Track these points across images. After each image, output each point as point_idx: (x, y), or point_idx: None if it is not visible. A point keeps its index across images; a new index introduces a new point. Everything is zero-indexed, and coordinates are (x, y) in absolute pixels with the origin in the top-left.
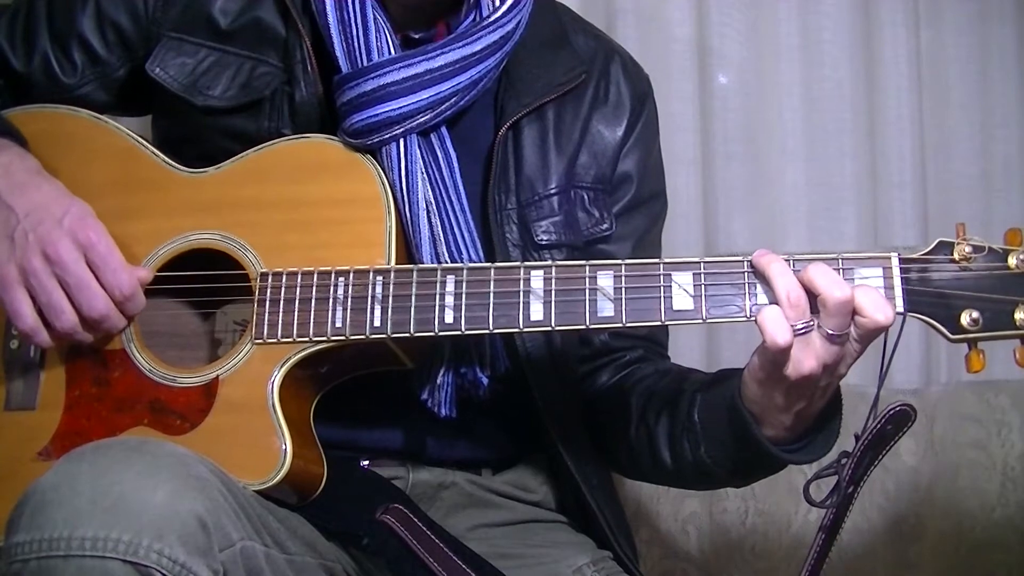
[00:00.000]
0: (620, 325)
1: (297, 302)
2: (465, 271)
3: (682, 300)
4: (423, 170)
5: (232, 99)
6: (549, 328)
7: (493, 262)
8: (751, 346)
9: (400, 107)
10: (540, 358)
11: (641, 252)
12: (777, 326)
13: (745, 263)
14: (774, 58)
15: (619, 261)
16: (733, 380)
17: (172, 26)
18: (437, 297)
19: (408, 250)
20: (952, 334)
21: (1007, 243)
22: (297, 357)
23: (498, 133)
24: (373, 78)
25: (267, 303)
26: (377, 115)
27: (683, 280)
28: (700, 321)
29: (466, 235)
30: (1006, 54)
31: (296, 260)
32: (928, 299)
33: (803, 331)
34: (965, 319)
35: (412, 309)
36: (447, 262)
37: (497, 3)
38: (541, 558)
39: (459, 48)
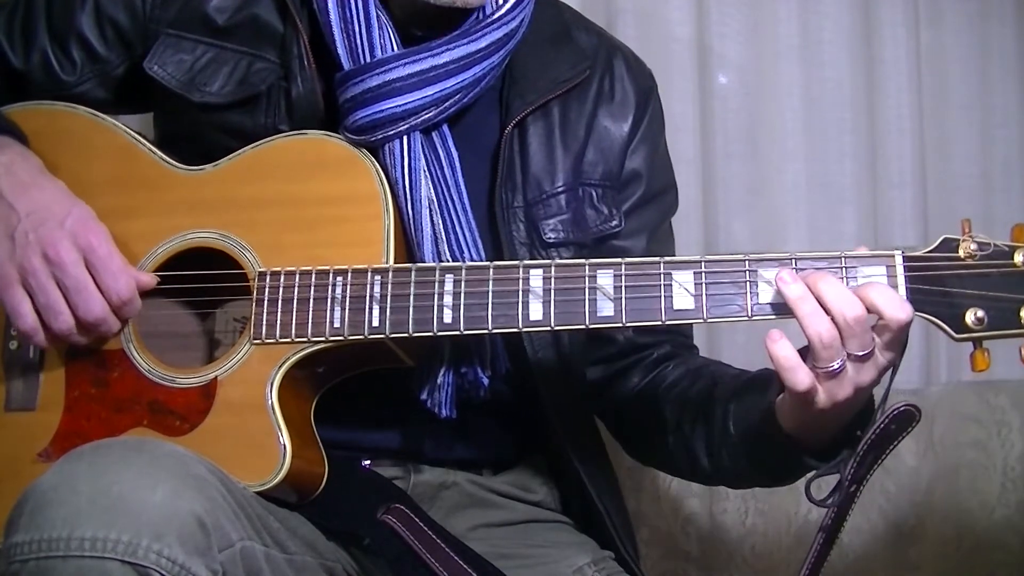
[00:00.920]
0: (620, 325)
1: (295, 302)
2: (464, 270)
3: (683, 299)
4: (426, 168)
5: (229, 95)
6: (548, 328)
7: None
8: (751, 347)
9: (405, 103)
10: (549, 359)
11: (656, 245)
12: (798, 374)
13: (747, 262)
14: (774, 58)
15: (619, 260)
16: (767, 402)
17: (170, 23)
18: (436, 297)
19: (409, 248)
20: (956, 333)
21: (1013, 240)
22: (296, 357)
23: (503, 131)
24: (378, 74)
25: (265, 303)
26: (382, 111)
27: (684, 279)
28: (701, 320)
29: (467, 234)
30: (1006, 54)
31: (295, 259)
32: (933, 297)
33: (837, 371)
34: (970, 318)
35: (411, 309)
36: (448, 261)
37: (500, 1)
38: (542, 558)
39: (463, 45)
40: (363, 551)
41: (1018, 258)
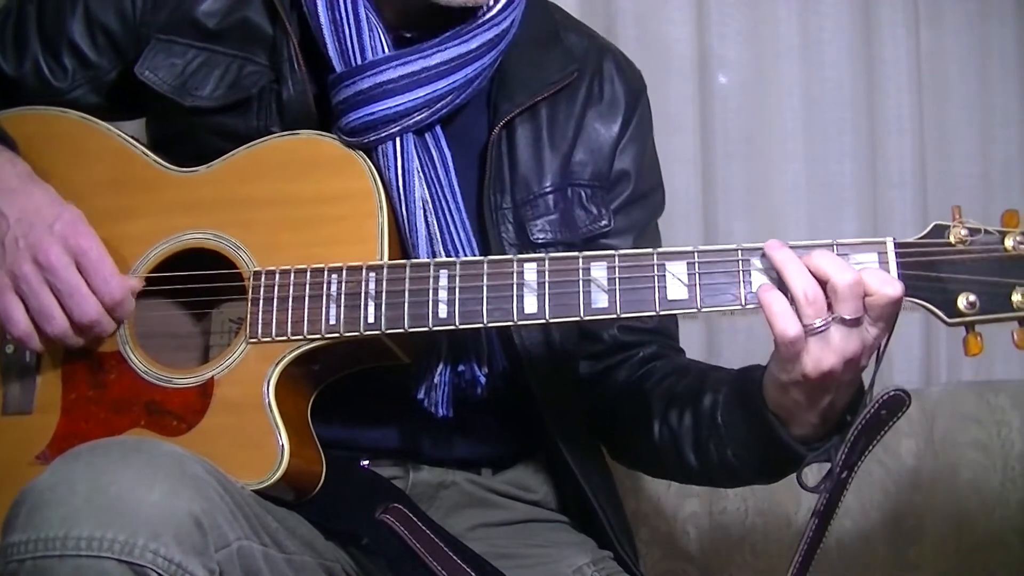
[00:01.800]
0: (615, 316)
1: (291, 300)
2: (458, 265)
3: (676, 289)
4: (419, 168)
5: (220, 98)
6: (544, 321)
7: None
8: (752, 346)
9: (397, 105)
10: (539, 355)
11: (642, 244)
12: (786, 319)
13: (739, 251)
14: (774, 58)
15: (612, 252)
16: (754, 382)
17: (160, 28)
18: (431, 292)
19: (404, 249)
20: (949, 318)
21: (1004, 225)
22: (292, 355)
23: (492, 132)
24: (369, 76)
25: (261, 302)
26: (374, 113)
27: (677, 270)
28: (695, 310)
29: (462, 233)
30: (1006, 54)
31: (289, 258)
32: (925, 283)
33: (822, 328)
34: (962, 302)
35: (406, 304)
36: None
37: (492, 1)
38: (541, 558)
39: (454, 46)
40: (362, 551)
41: (1008, 243)
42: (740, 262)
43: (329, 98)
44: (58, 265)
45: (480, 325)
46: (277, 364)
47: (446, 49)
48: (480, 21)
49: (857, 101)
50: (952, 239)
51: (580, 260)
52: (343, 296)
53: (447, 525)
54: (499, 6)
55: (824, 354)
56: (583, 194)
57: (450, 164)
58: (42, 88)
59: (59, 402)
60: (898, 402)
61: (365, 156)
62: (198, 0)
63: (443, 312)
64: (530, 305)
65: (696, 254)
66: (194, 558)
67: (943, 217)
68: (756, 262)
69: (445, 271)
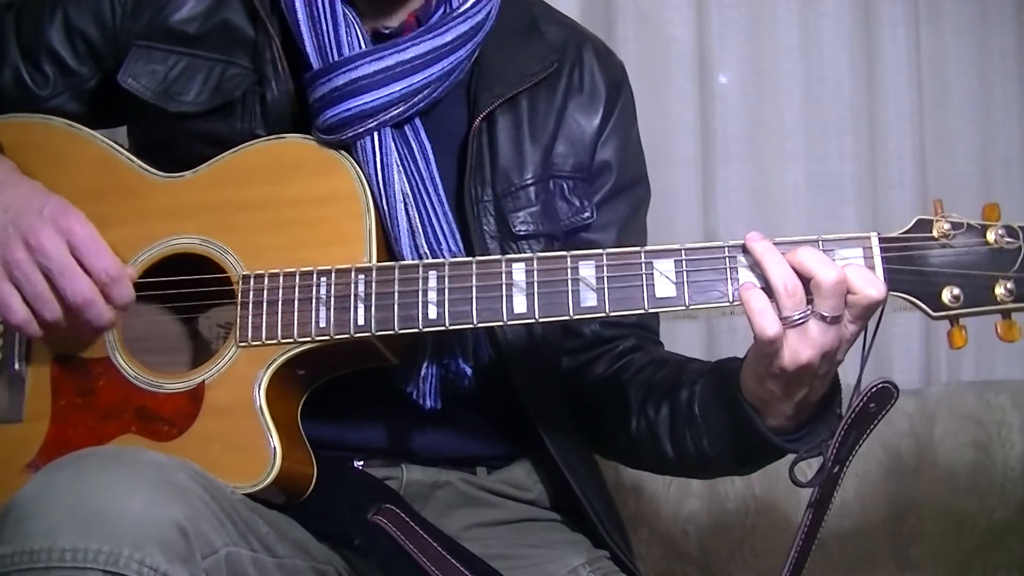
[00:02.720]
0: (604, 314)
1: (280, 303)
2: (447, 266)
3: (664, 287)
4: (399, 162)
5: (204, 103)
6: (533, 320)
7: (471, 254)
8: (751, 344)
9: (372, 100)
10: (520, 347)
11: (625, 239)
12: (766, 317)
13: (726, 248)
14: (774, 58)
15: (600, 251)
16: (732, 372)
17: (140, 34)
18: (420, 293)
19: (387, 243)
20: (934, 311)
21: (985, 218)
22: (283, 358)
23: (472, 125)
24: (344, 72)
25: (250, 305)
26: (350, 109)
27: (665, 267)
28: (683, 307)
29: (444, 227)
30: (1006, 54)
31: (277, 261)
32: (909, 277)
33: (800, 321)
34: (946, 296)
35: (395, 306)
36: (426, 254)
37: None
38: (536, 558)
39: (429, 40)
40: (354, 552)
41: (990, 236)
42: (727, 259)
43: (305, 97)
44: (49, 245)
45: (470, 326)
46: (268, 367)
47: (420, 43)
48: (455, 14)
49: (857, 101)
50: (935, 233)
51: (568, 259)
52: (332, 299)
53: (441, 525)
54: None
55: (802, 347)
56: (565, 186)
57: (431, 156)
58: (22, 96)
59: (48, 410)
60: (886, 394)
61: (350, 157)
62: (177, 5)
63: (433, 313)
64: (519, 305)
65: (684, 251)
66: (180, 566)
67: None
68: (743, 259)
69: (434, 272)
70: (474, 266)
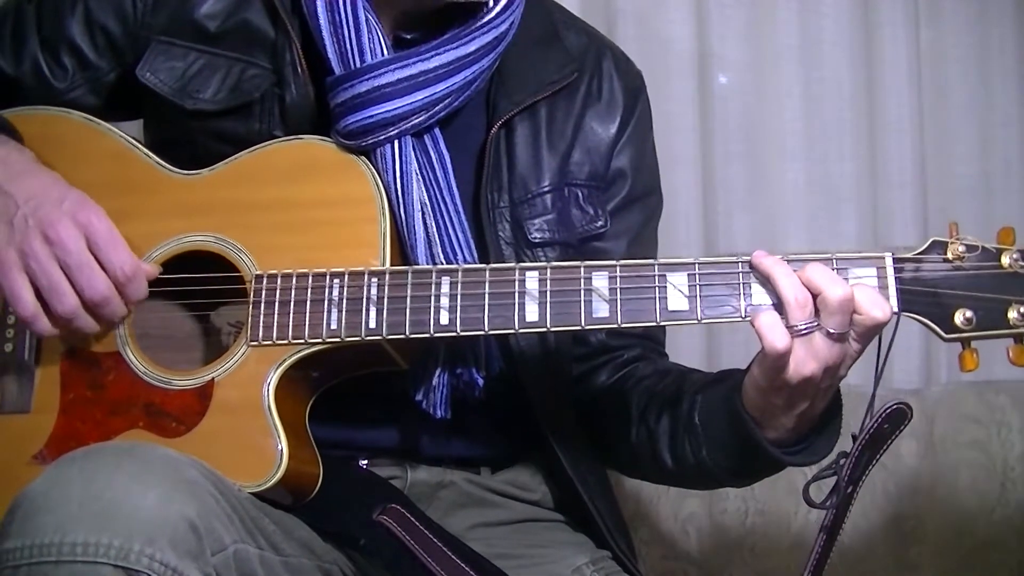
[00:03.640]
0: (615, 326)
1: (292, 304)
2: (460, 272)
3: (677, 301)
4: (418, 171)
5: (222, 102)
6: (545, 329)
7: (486, 261)
8: (751, 346)
9: (395, 108)
10: (533, 356)
11: (636, 249)
12: (775, 332)
13: (740, 263)
14: (774, 58)
15: (614, 262)
16: (734, 383)
17: (161, 30)
18: (432, 299)
19: (403, 252)
20: (946, 333)
21: (1000, 242)
22: (293, 359)
23: (490, 132)
24: (368, 79)
25: (262, 305)
26: (372, 116)
27: (678, 281)
28: (695, 321)
29: (460, 236)
30: (1006, 54)
31: (290, 262)
32: (922, 298)
33: (806, 331)
34: (959, 318)
35: (407, 311)
36: (441, 263)
37: (491, 4)
38: (540, 558)
39: (453, 49)
40: (359, 552)
41: (1005, 260)
42: (740, 275)
43: (324, 101)
44: (67, 239)
45: (481, 333)
46: (277, 367)
47: (444, 52)
48: (479, 24)
49: (857, 101)
50: (949, 255)
51: (582, 269)
52: (344, 301)
53: (446, 525)
54: (498, 7)
55: (807, 359)
56: (580, 194)
57: (448, 166)
58: (41, 88)
59: (57, 402)
60: (900, 415)
61: (367, 161)
62: (198, 2)
63: (444, 319)
64: (531, 313)
65: (697, 265)
66: (190, 562)
67: (942, 217)
68: (756, 274)
69: (447, 278)
70: (487, 273)
